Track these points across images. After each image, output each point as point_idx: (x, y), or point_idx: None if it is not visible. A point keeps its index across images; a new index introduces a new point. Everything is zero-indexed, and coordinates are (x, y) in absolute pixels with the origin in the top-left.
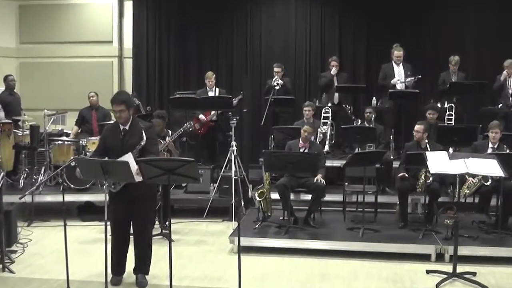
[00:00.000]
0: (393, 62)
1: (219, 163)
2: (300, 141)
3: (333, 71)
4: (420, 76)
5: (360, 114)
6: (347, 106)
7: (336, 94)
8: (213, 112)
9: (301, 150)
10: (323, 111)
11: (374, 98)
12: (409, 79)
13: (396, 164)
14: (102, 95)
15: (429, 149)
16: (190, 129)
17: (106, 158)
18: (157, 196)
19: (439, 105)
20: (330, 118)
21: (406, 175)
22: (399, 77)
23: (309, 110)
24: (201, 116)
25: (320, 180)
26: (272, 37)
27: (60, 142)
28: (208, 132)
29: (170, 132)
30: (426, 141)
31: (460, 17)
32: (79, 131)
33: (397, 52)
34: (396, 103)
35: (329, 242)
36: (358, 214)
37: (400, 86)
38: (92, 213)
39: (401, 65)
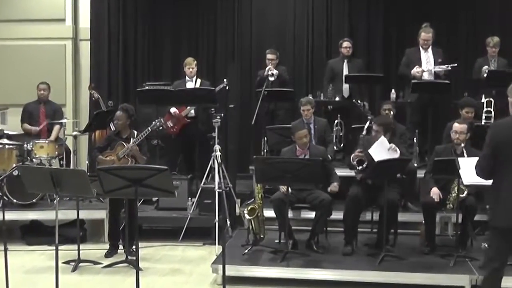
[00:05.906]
0: (420, 46)
1: (199, 172)
2: (298, 148)
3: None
4: (456, 65)
5: (376, 110)
6: (359, 101)
7: (346, 86)
8: (189, 107)
9: None
10: None
11: (393, 91)
12: (439, 67)
13: (421, 173)
14: (53, 86)
15: (465, 155)
16: (160, 127)
17: None
18: None
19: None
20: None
21: (441, 196)
22: (427, 65)
23: (308, 109)
24: (173, 110)
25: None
26: (265, 17)
27: None
28: (184, 132)
29: (135, 133)
30: (462, 145)
31: None
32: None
33: (425, 34)
34: (421, 97)
35: (337, 272)
36: (373, 236)
37: (427, 77)
38: (40, 235)
39: (429, 50)
